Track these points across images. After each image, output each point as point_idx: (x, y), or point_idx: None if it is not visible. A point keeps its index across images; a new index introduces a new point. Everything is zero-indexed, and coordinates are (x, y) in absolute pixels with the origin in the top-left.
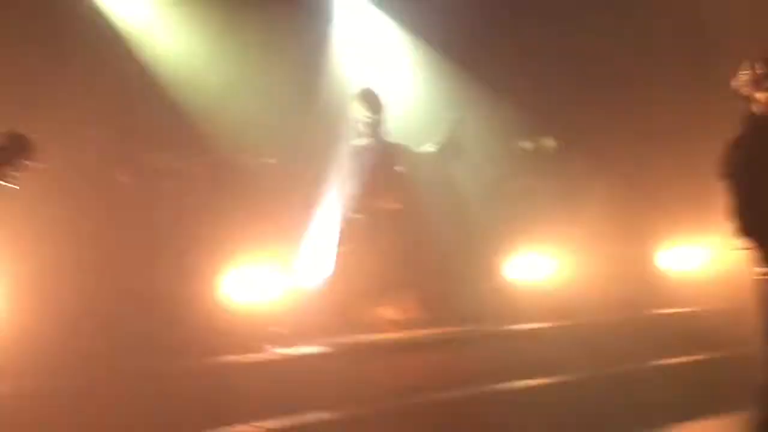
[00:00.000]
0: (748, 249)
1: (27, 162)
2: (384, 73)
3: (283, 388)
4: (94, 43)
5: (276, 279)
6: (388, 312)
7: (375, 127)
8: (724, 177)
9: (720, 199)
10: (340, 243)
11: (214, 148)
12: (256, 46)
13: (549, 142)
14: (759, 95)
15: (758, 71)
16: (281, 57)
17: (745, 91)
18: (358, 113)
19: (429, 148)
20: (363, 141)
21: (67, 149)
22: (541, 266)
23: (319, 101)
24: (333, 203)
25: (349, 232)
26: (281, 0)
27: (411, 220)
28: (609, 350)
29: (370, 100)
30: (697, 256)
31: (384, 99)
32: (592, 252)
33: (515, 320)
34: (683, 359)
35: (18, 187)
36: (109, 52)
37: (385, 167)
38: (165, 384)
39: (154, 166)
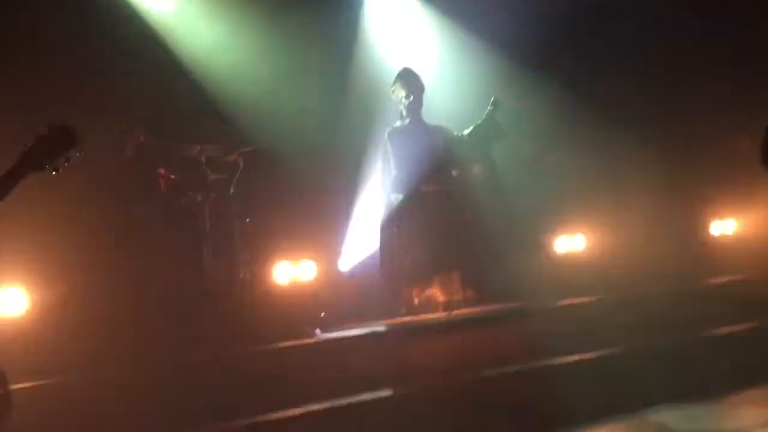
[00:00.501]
0: None
1: (70, 152)
2: (419, 56)
3: (333, 370)
4: (131, 38)
5: (320, 265)
6: (435, 293)
7: (415, 108)
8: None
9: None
10: (384, 226)
11: (252, 138)
12: (291, 36)
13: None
14: None
15: None
16: (316, 45)
17: None
18: (399, 94)
19: (467, 130)
20: (404, 123)
21: (109, 143)
22: (588, 240)
23: (357, 86)
24: (376, 186)
25: (392, 215)
26: None
27: (453, 201)
28: (662, 321)
29: (410, 80)
30: (749, 223)
31: (423, 80)
32: (642, 223)
33: (564, 295)
34: (738, 328)
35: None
36: (147, 47)
37: (427, 149)
38: (217, 372)
39: (197, 158)
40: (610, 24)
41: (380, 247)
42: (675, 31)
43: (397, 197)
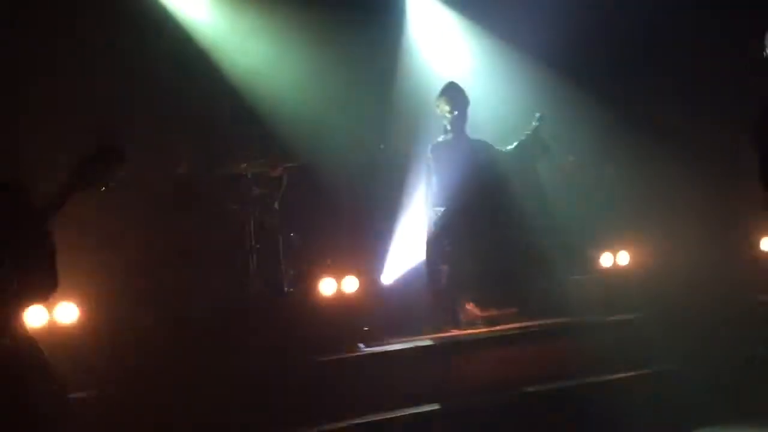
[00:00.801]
0: None
1: (117, 171)
2: (463, 72)
3: (377, 384)
4: (180, 55)
5: (364, 279)
6: (479, 308)
7: (460, 122)
8: (755, 141)
9: None
10: (429, 240)
11: (296, 154)
12: (336, 53)
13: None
14: None
15: None
16: (361, 62)
17: None
18: (443, 109)
19: (512, 146)
20: (448, 137)
21: (161, 160)
22: (634, 254)
23: (401, 102)
24: (420, 201)
25: (437, 230)
26: (356, 7)
27: (497, 216)
28: (710, 339)
29: (455, 95)
30: None
31: (468, 94)
32: (690, 237)
33: (610, 311)
34: None
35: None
36: (196, 64)
37: (471, 163)
38: (261, 384)
39: (243, 173)
40: (657, 38)
41: (426, 261)
42: (722, 46)
43: (439, 211)
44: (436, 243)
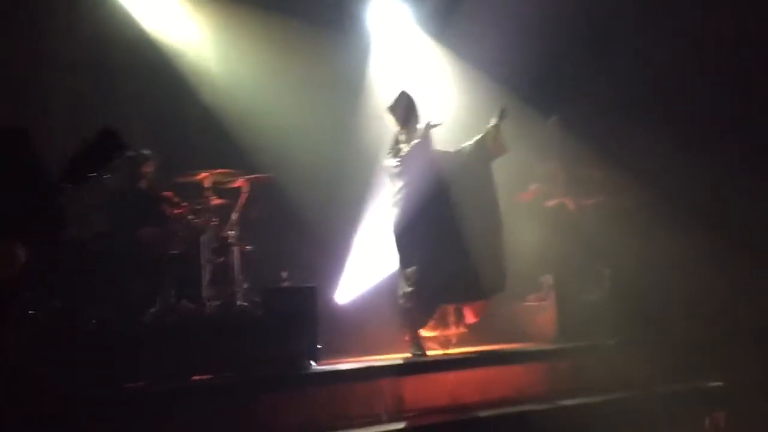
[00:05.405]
0: None
1: (117, 157)
2: (424, 91)
3: (325, 403)
4: (148, 66)
5: (320, 295)
6: (433, 329)
7: (413, 133)
8: None
9: None
10: (396, 245)
11: (259, 166)
12: (305, 67)
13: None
14: None
15: None
16: (329, 76)
17: None
18: (396, 118)
19: (471, 142)
20: (403, 147)
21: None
22: (592, 280)
23: (367, 118)
24: (381, 213)
25: (403, 235)
26: (324, 25)
27: (459, 228)
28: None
29: (407, 104)
30: None
31: (419, 104)
32: (647, 270)
33: (567, 337)
34: None
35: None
36: (164, 76)
37: (427, 174)
38: (210, 396)
39: (202, 182)
40: (612, 57)
41: (382, 279)
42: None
43: (406, 218)
44: (395, 260)
